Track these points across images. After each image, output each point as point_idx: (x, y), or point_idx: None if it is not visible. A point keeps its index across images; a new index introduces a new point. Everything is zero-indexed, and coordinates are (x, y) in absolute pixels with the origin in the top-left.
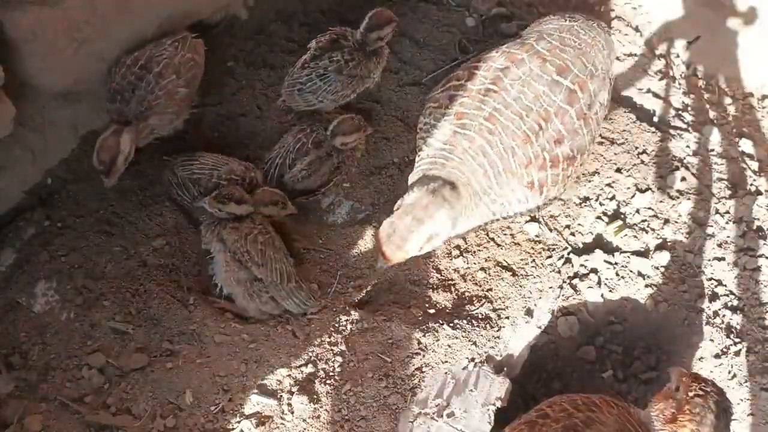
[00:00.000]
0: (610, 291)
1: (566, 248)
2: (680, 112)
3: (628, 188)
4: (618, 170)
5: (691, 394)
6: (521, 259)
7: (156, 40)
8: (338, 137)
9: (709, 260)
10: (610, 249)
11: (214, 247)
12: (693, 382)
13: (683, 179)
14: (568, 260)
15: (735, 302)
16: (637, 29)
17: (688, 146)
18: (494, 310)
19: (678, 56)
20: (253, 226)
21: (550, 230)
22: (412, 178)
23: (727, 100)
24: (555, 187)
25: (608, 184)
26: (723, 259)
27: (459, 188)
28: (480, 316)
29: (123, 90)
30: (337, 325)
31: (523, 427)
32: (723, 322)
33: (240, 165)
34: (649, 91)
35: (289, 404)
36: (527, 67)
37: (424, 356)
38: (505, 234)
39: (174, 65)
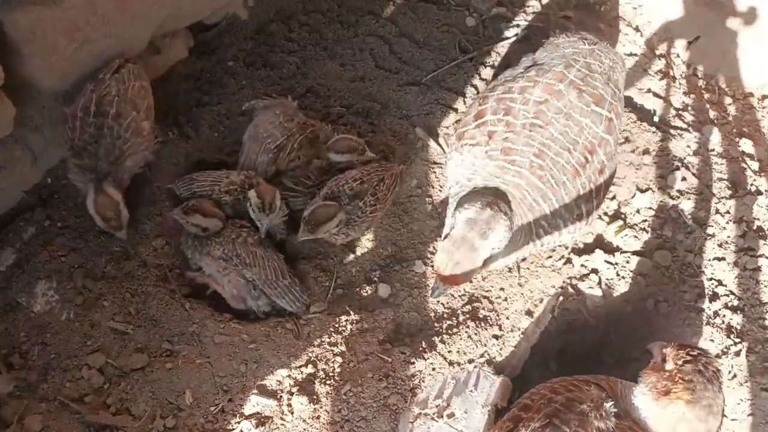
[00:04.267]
0: (611, 291)
1: (566, 248)
2: (680, 111)
3: (629, 188)
4: (619, 170)
5: (680, 362)
6: (521, 259)
7: (90, 79)
8: (331, 154)
9: (709, 260)
10: (610, 249)
11: (204, 262)
12: (679, 350)
13: (683, 179)
14: (568, 260)
15: (735, 302)
16: (637, 29)
17: (688, 146)
18: (494, 310)
19: (678, 56)
20: (240, 230)
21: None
22: (454, 203)
23: (727, 100)
24: (596, 211)
25: None
26: (723, 259)
27: (510, 201)
28: (480, 316)
29: (87, 144)
30: (337, 325)
31: (509, 423)
32: (723, 322)
33: (239, 175)
34: (649, 90)
35: (289, 404)
36: (566, 100)
37: (424, 357)
38: None
39: (129, 101)
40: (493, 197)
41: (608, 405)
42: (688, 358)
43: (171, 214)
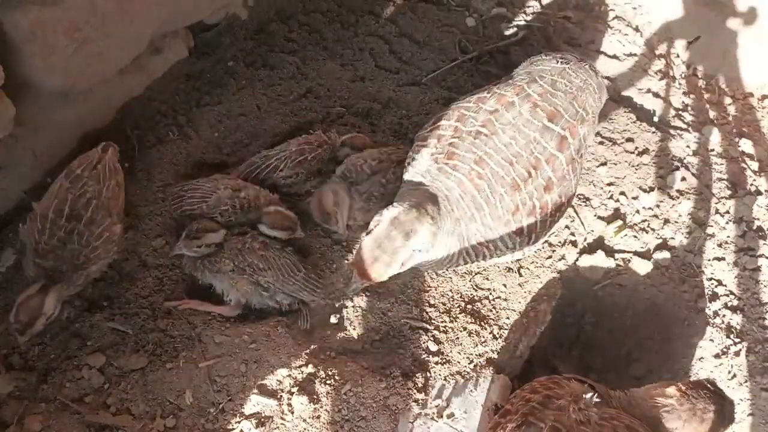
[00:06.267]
0: (611, 291)
1: (566, 248)
2: (680, 112)
3: (629, 188)
4: (619, 170)
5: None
6: (521, 259)
7: (67, 170)
8: (346, 148)
9: (709, 260)
10: (610, 249)
11: (217, 278)
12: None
13: (683, 179)
14: (568, 260)
15: (735, 302)
16: (637, 29)
17: (688, 146)
18: (494, 309)
19: (678, 56)
20: (243, 238)
21: None
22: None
23: (727, 100)
24: (543, 232)
25: (609, 184)
26: (723, 259)
27: (440, 205)
28: (480, 316)
29: (54, 248)
30: (337, 324)
31: (490, 431)
32: (723, 322)
33: (226, 189)
34: (649, 91)
35: (289, 404)
36: (517, 111)
37: (424, 356)
38: None
39: (103, 204)
40: (424, 198)
41: (588, 396)
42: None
43: (176, 251)
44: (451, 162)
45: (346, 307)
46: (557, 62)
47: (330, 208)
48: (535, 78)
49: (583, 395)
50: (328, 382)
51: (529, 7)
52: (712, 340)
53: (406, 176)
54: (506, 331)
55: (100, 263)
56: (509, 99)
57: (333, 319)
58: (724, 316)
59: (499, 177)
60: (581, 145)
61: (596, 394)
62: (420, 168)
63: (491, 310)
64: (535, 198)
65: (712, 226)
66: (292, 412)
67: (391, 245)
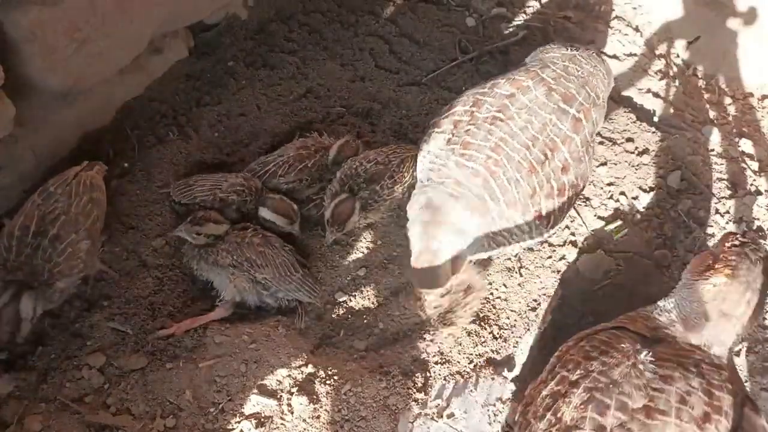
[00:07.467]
0: (611, 291)
1: (566, 248)
2: (680, 112)
3: (629, 188)
4: (619, 170)
5: (728, 245)
6: (522, 259)
7: (41, 187)
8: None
9: None
10: (610, 249)
11: (214, 272)
12: (730, 235)
13: (683, 179)
14: (568, 260)
15: None
16: (637, 29)
17: (688, 146)
18: (494, 309)
19: (678, 56)
20: (243, 232)
21: None
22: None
23: (727, 100)
24: (561, 215)
25: (609, 184)
26: None
27: (447, 201)
28: (480, 316)
29: (21, 264)
30: (336, 325)
31: (549, 400)
32: None
33: (238, 177)
34: (649, 91)
35: (289, 404)
36: (533, 94)
37: (424, 356)
38: None
39: (71, 220)
40: (433, 187)
41: (642, 356)
42: (737, 242)
43: (175, 233)
44: (467, 152)
45: (346, 307)
46: (567, 49)
47: (349, 222)
48: (548, 64)
49: (637, 355)
50: (327, 382)
51: (529, 7)
52: None
53: (423, 176)
54: (506, 331)
55: (65, 280)
56: (524, 83)
57: (333, 318)
58: None
59: (515, 162)
60: (594, 128)
61: (649, 353)
62: (435, 164)
63: (491, 310)
64: (553, 180)
65: (712, 226)
66: (292, 412)
67: (428, 242)
